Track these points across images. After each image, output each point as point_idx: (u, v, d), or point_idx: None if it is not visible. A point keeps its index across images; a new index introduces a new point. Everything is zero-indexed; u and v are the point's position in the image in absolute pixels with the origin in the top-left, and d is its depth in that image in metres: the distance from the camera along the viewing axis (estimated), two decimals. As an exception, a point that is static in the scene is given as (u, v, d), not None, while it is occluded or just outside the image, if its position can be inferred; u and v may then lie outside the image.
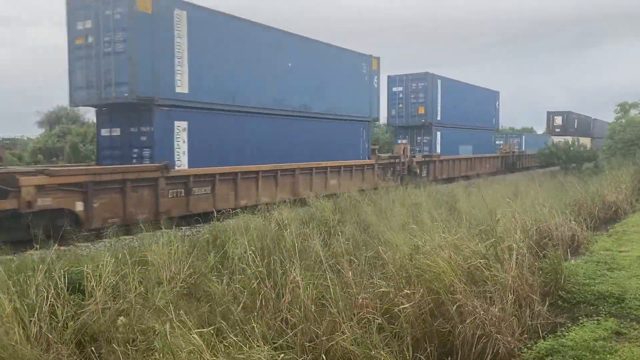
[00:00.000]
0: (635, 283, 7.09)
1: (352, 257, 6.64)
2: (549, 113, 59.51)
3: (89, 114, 41.02)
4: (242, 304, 5.35)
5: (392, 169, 22.88)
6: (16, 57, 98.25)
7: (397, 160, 23.33)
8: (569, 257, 8.74)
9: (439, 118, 27.73)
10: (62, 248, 8.70)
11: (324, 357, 4.59)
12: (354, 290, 5.47)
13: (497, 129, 37.58)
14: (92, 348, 4.93)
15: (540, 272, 6.87)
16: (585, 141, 53.22)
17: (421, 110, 27.14)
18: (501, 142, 40.90)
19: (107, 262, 6.16)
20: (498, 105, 36.39)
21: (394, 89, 27.94)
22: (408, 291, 5.40)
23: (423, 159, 25.82)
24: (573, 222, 10.37)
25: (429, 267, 5.77)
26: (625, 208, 14.65)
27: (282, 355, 4.28)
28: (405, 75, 27.55)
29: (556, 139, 52.18)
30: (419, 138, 27.97)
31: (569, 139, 50.85)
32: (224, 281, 6.07)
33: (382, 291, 5.53)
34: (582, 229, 10.47)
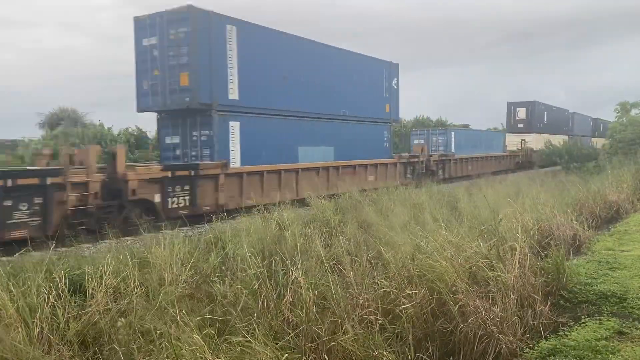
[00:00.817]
0: (637, 282, 7.08)
1: (353, 257, 6.63)
2: (509, 104, 46.24)
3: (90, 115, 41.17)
4: (243, 305, 5.35)
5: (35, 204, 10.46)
6: (19, 58, 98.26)
7: (63, 181, 10.83)
8: (571, 256, 8.73)
9: (233, 96, 15.07)
10: (63, 249, 8.70)
11: (325, 357, 4.59)
12: (356, 290, 5.46)
13: (396, 120, 24.88)
14: (95, 349, 4.94)
15: (542, 271, 6.86)
16: (558, 141, 42.04)
17: (184, 81, 14.28)
18: (421, 141, 30.59)
19: (108, 264, 6.16)
20: (396, 84, 23.44)
21: (145, 42, 15.00)
22: (410, 291, 5.40)
23: (166, 175, 12.89)
24: (574, 222, 10.37)
25: (431, 267, 5.77)
26: (626, 207, 14.65)
27: (286, 355, 4.27)
28: (159, 14, 14.68)
29: (515, 138, 42.87)
30: (194, 133, 15.15)
31: (531, 137, 42.42)
32: (226, 282, 6.07)
33: (384, 291, 5.53)
34: (583, 228, 10.48)
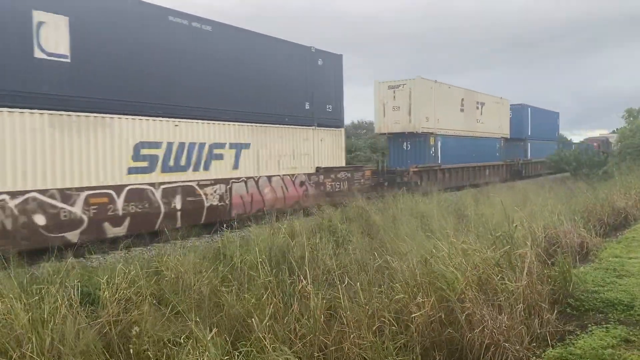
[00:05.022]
0: (644, 290, 7.05)
1: (361, 266, 6.67)
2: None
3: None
4: (250, 314, 5.40)
5: None
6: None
7: None
8: (578, 264, 8.70)
9: None
10: (75, 260, 8.78)
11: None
12: (363, 300, 5.50)
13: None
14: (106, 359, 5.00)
15: (549, 279, 6.85)
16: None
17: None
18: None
19: (121, 274, 6.24)
20: None
21: None
22: (419, 299, 5.42)
23: None
24: (582, 229, 10.31)
25: (442, 275, 5.79)
26: (635, 214, 14.50)
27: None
28: None
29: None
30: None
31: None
32: (233, 291, 6.13)
33: (392, 300, 5.56)
34: (591, 235, 10.41)
